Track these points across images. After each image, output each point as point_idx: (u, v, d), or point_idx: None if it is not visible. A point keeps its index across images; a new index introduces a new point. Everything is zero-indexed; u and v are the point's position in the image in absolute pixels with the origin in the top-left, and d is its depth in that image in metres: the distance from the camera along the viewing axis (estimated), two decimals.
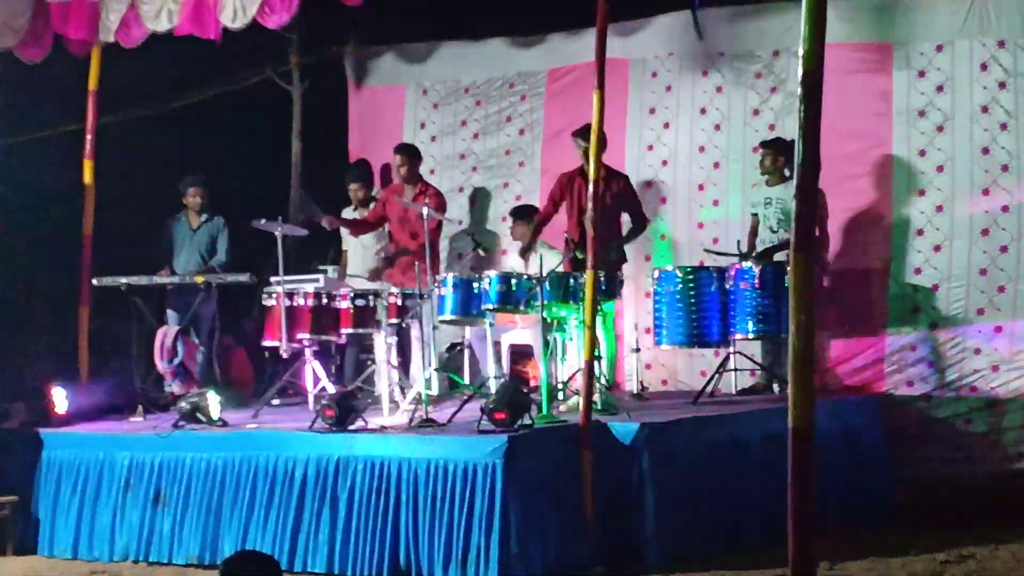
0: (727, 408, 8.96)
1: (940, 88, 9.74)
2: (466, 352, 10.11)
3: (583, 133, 9.69)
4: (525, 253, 10.24)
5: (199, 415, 8.80)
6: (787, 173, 9.78)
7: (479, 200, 11.73)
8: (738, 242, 9.80)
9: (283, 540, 8.00)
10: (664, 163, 10.88)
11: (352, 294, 9.65)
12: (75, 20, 10.23)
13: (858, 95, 9.86)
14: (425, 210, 9.33)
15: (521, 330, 9.88)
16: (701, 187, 10.68)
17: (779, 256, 9.47)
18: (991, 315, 9.44)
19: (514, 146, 11.64)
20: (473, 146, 11.83)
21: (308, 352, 9.73)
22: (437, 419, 8.36)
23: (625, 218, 10.22)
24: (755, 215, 10.06)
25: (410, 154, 10.74)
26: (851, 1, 9.96)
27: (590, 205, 7.98)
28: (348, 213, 11.26)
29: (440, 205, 10.37)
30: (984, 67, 9.57)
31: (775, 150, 9.85)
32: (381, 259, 10.92)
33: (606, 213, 9.42)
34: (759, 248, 9.86)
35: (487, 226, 11.62)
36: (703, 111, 10.73)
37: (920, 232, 9.74)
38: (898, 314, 9.77)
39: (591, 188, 7.98)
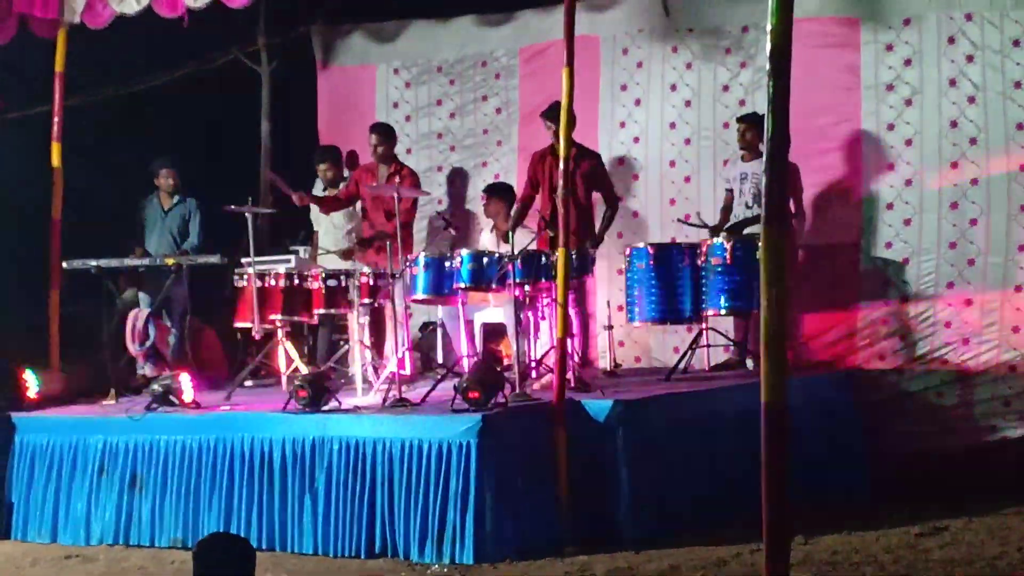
0: (700, 384, 8.99)
1: (908, 62, 9.75)
2: (439, 331, 10.10)
3: (550, 114, 9.68)
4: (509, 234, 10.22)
5: (172, 397, 8.76)
6: (761, 148, 9.72)
7: (457, 179, 11.69)
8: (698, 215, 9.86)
9: (261, 521, 8.00)
10: (636, 140, 10.86)
11: (324, 274, 9.62)
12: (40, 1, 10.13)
13: (826, 69, 9.87)
14: (395, 190, 9.32)
15: (494, 309, 9.87)
16: (672, 164, 10.68)
17: (752, 229, 9.46)
18: (961, 288, 9.49)
19: (491, 125, 11.58)
20: (450, 125, 11.76)
21: (280, 333, 9.70)
22: (411, 399, 8.36)
23: (597, 198, 10.21)
24: (729, 191, 10.04)
25: (385, 133, 10.70)
26: None
27: (560, 183, 7.98)
28: (317, 192, 11.22)
29: (414, 185, 10.35)
30: (952, 41, 9.58)
31: (757, 124, 9.62)
32: (352, 239, 10.90)
33: (577, 191, 9.42)
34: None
35: (466, 205, 11.57)
36: (673, 87, 10.71)
37: (890, 206, 9.77)
38: (869, 288, 9.80)
39: (561, 166, 7.97)
